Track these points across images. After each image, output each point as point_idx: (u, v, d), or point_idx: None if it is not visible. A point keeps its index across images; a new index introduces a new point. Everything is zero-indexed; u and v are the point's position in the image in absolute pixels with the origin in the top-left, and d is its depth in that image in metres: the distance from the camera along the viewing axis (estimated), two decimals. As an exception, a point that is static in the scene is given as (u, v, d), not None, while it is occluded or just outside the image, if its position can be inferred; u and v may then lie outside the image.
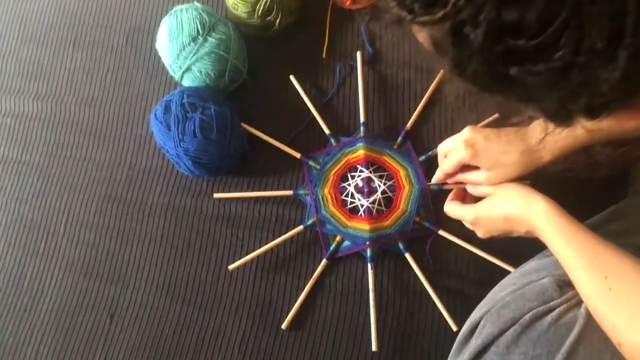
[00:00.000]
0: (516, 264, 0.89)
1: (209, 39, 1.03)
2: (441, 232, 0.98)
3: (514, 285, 0.80)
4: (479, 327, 0.80)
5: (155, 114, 1.02)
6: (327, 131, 1.05)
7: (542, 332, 0.72)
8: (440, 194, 0.99)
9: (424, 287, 0.95)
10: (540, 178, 0.81)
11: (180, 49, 1.03)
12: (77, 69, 1.20)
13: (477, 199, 0.87)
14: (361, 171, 1.01)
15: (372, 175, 1.00)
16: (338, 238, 0.99)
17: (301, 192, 1.02)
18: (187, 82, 1.07)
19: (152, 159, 1.11)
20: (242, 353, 0.98)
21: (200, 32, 1.03)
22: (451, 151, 0.85)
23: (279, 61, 1.12)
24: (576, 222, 0.73)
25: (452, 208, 0.87)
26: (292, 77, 1.09)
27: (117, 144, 1.13)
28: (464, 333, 0.82)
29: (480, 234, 0.84)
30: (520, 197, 0.77)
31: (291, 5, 1.08)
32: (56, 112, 1.18)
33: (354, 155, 1.02)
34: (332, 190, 1.01)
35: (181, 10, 1.05)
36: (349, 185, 1.01)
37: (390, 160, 1.01)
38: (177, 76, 1.06)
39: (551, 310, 0.73)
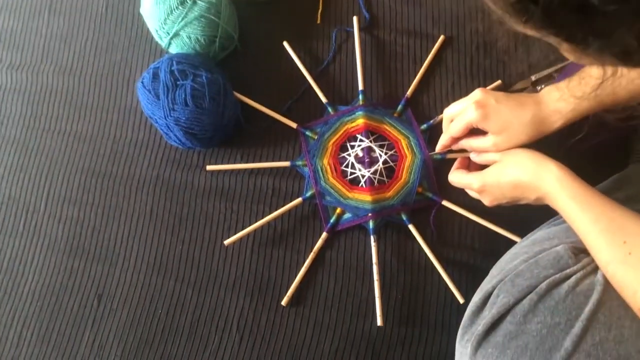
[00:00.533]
0: (521, 234, 0.88)
1: (198, 2, 0.97)
2: (445, 203, 0.94)
3: (526, 254, 0.78)
4: (492, 296, 0.77)
5: (142, 82, 0.96)
6: (324, 100, 1.01)
7: (559, 299, 0.70)
8: (443, 163, 0.96)
9: (429, 259, 0.92)
10: (540, 148, 0.78)
11: (167, 13, 0.97)
12: (54, 37, 1.13)
13: (481, 168, 0.84)
14: (361, 141, 0.97)
15: (373, 145, 0.97)
16: (338, 210, 0.95)
17: (299, 163, 0.98)
18: (174, 49, 1.01)
19: (139, 130, 1.05)
20: (240, 330, 0.94)
21: (189, -5, 0.97)
22: (458, 115, 0.82)
23: (271, 27, 1.07)
24: (589, 187, 0.72)
25: (457, 177, 0.84)
26: (285, 44, 1.04)
27: (100, 115, 1.07)
28: (476, 304, 0.79)
29: (487, 201, 0.82)
30: (530, 162, 0.75)
31: (285, -33, 1.03)
32: (33, 83, 1.10)
33: (353, 124, 0.98)
34: (331, 160, 0.97)
35: (168, -29, 0.99)
36: (349, 155, 0.97)
37: (391, 129, 0.98)
38: (164, 43, 1.00)
39: (568, 277, 0.71)
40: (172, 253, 0.98)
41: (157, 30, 1.00)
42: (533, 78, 0.99)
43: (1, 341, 0.98)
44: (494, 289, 0.77)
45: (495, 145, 0.80)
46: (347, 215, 0.95)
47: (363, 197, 0.94)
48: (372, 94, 1.01)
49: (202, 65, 0.96)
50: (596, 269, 0.70)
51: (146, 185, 1.02)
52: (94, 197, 1.03)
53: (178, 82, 0.93)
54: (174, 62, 0.95)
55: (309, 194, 0.96)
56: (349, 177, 0.96)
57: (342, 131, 0.98)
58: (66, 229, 1.02)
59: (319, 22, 1.06)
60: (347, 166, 0.97)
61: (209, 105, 0.94)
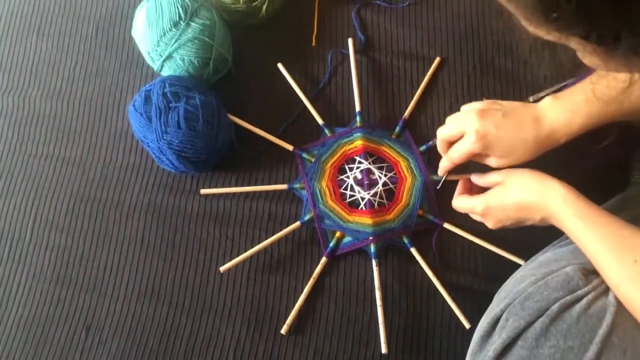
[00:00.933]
0: (526, 256, 0.86)
1: (192, 24, 0.96)
2: (446, 225, 0.93)
3: (534, 276, 0.76)
4: (502, 320, 0.75)
5: (134, 105, 0.94)
6: (320, 121, 0.99)
7: (572, 322, 0.68)
8: (443, 185, 0.94)
9: (432, 283, 0.90)
10: (542, 167, 0.77)
11: (160, 35, 0.95)
12: (42, 60, 1.10)
13: (483, 189, 0.83)
14: (360, 162, 0.95)
15: (372, 167, 0.95)
16: (338, 234, 0.93)
17: (297, 186, 0.96)
18: (167, 72, 0.99)
19: (129, 155, 1.02)
20: (237, 361, 0.90)
21: (183, 16, 0.95)
22: (453, 136, 0.81)
23: (265, 50, 1.06)
24: (595, 205, 0.71)
25: (460, 201, 0.83)
26: (280, 65, 1.03)
27: (88, 139, 1.04)
28: (485, 329, 0.77)
29: (491, 224, 0.80)
30: (535, 182, 0.74)
31: (279, -11, 1.03)
32: (19, 107, 1.07)
33: (351, 146, 0.96)
34: (329, 183, 0.95)
35: (160, -6, 0.97)
36: (348, 177, 0.95)
37: (390, 151, 0.96)
38: (156, 65, 0.98)
39: (579, 299, 0.69)
40: (165, 280, 0.95)
41: (149, 53, 0.98)
42: (531, 99, 0.99)
43: (-18, 377, 0.93)
44: (502, 312, 0.75)
45: (498, 165, 0.80)
46: (347, 239, 0.93)
47: (363, 220, 0.92)
48: (369, 116, 1.00)
49: (195, 87, 0.94)
50: (607, 290, 0.69)
51: (137, 210, 0.99)
52: (82, 224, 0.99)
53: (171, 105, 0.91)
54: (167, 85, 0.93)
55: (307, 217, 0.94)
56: (349, 200, 0.94)
57: (340, 153, 0.96)
58: (53, 257, 0.98)
59: (314, 44, 1.05)
60: (346, 189, 0.95)
61: (202, 128, 0.91)
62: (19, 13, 1.13)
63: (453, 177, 0.90)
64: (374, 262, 0.90)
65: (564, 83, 0.95)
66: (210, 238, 0.96)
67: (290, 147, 0.98)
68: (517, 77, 1.00)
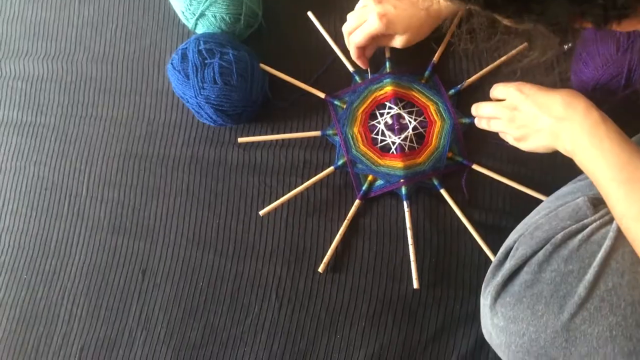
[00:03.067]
0: (550, 194, 0.87)
1: (222, -18, 0.99)
2: (475, 167, 0.95)
3: (548, 208, 0.79)
4: (512, 250, 0.79)
5: (172, 64, 0.99)
6: (351, 69, 1.02)
7: (573, 249, 0.71)
8: (471, 127, 0.96)
9: (461, 222, 0.93)
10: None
11: (192, -6, 0.99)
12: (85, 25, 1.16)
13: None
14: (390, 108, 0.98)
15: (402, 112, 0.97)
16: (370, 178, 0.97)
17: (329, 132, 0.99)
18: (201, 29, 1.03)
19: (171, 111, 1.08)
20: (279, 298, 0.96)
21: (213, -26, 0.99)
22: (358, 26, 0.91)
23: (293, 2, 1.08)
24: (619, 132, 0.70)
25: (486, 107, 0.88)
26: (310, 14, 1.05)
27: (133, 99, 1.10)
28: (499, 258, 0.82)
29: (515, 128, 0.82)
30: (558, 92, 0.77)
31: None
32: (67, 71, 1.14)
33: (382, 92, 0.99)
34: (361, 129, 0.98)
35: (191, -47, 1.01)
36: (379, 123, 0.98)
37: (419, 95, 0.98)
38: (190, 24, 1.03)
39: (584, 227, 0.72)
40: (210, 227, 1.01)
41: (183, 12, 1.02)
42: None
43: (53, 319, 1.03)
44: (515, 242, 0.79)
45: (403, 44, 0.92)
46: (379, 183, 0.97)
47: (395, 164, 0.95)
48: (398, 62, 1.02)
49: (228, 43, 0.98)
50: (612, 219, 0.71)
51: (181, 163, 1.05)
52: (132, 179, 1.07)
53: (206, 61, 0.96)
54: (201, 42, 0.97)
55: (340, 162, 0.98)
56: (380, 145, 0.97)
57: (370, 99, 0.99)
58: (108, 210, 1.06)
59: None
60: (377, 134, 0.98)
61: (237, 82, 0.96)
62: (60, -19, 1.19)
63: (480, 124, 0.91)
64: (405, 204, 0.94)
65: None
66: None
67: (322, 95, 1.01)
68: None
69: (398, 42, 0.92)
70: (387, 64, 1.00)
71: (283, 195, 0.98)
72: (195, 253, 1.01)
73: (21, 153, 1.12)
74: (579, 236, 0.71)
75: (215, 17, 1.00)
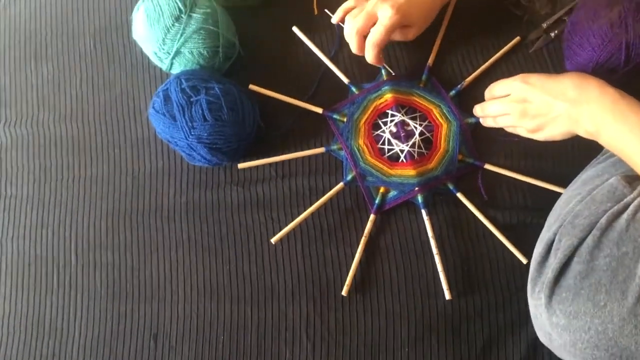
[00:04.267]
0: (567, 183, 0.85)
1: (194, 15, 0.94)
2: (487, 166, 0.92)
3: (579, 194, 0.76)
4: (555, 242, 0.76)
5: (154, 108, 0.92)
6: (345, 80, 0.97)
7: (621, 230, 0.69)
8: (477, 127, 0.94)
9: (484, 225, 0.90)
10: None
11: (164, 33, 0.93)
12: (45, 84, 1.08)
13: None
14: (393, 115, 0.94)
15: (406, 118, 0.94)
16: (382, 189, 0.92)
17: (334, 147, 0.95)
18: (177, 68, 0.97)
19: (156, 159, 1.01)
20: (310, 338, 0.89)
21: (183, 9, 0.93)
22: (370, 21, 0.84)
23: (268, 28, 1.04)
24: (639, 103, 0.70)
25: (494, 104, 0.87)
26: (295, 29, 1.01)
27: (112, 153, 1.02)
28: (540, 254, 0.78)
29: (529, 118, 0.81)
30: (570, 74, 0.76)
31: (273, -37, 1.01)
32: (34, 135, 1.05)
33: (382, 100, 0.95)
34: (366, 140, 0.94)
35: (155, -9, 0.95)
36: (384, 132, 0.94)
37: (420, 100, 0.95)
38: (165, 64, 0.97)
39: (626, 206, 0.70)
40: (221, 275, 0.94)
41: (156, 53, 0.96)
42: (544, 25, 0.98)
43: (61, 407, 0.92)
44: (554, 235, 0.76)
45: (418, 31, 0.88)
46: (392, 194, 0.92)
47: (407, 172, 0.91)
48: (393, 68, 0.98)
49: (211, 77, 0.93)
50: None
51: (177, 213, 0.98)
52: (125, 238, 0.98)
53: (192, 99, 0.90)
54: (183, 80, 0.91)
55: (349, 177, 0.93)
56: (388, 154, 0.93)
57: (371, 109, 0.95)
58: (103, 275, 0.97)
59: (316, 12, 1.03)
60: (383, 143, 0.94)
61: (228, 117, 0.90)
62: (11, 45, 1.11)
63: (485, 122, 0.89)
64: (424, 213, 0.90)
65: (571, 4, 0.96)
66: (257, 224, 0.95)
67: (319, 110, 0.96)
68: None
69: (411, 33, 0.88)
70: (383, 71, 0.97)
71: (293, 229, 0.92)
72: (210, 305, 0.93)
73: (-5, 230, 1.02)
74: (624, 216, 0.69)
75: (192, 53, 0.95)
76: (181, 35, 0.93)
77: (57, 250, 0.99)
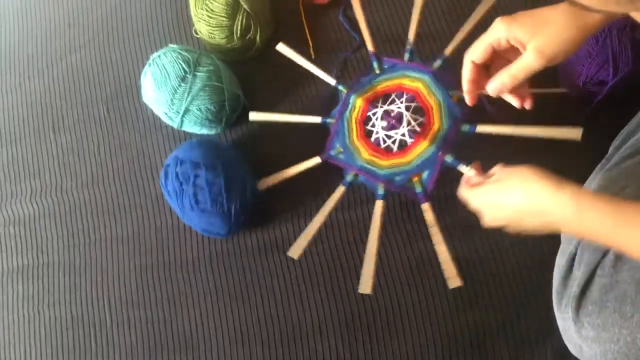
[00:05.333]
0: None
1: (198, 74, 0.99)
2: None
3: None
4: (577, 256, 0.77)
5: (161, 180, 0.98)
6: (332, 82, 0.99)
7: None
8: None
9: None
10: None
11: (172, 94, 0.98)
12: (65, 153, 1.13)
13: None
14: (402, 102, 0.92)
15: (407, 113, 0.91)
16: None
17: (329, 120, 0.97)
18: (188, 125, 1.02)
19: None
20: (343, 373, 0.92)
21: (187, 70, 0.98)
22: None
23: (270, 77, 1.09)
24: (615, 198, 0.61)
25: (462, 191, 0.77)
26: (280, 45, 1.03)
27: (134, 213, 1.07)
28: (564, 267, 0.79)
29: (486, 219, 0.73)
30: (536, 183, 0.64)
31: (266, 16, 1.06)
32: (59, 203, 1.10)
33: (411, 83, 0.94)
34: (364, 102, 0.94)
35: (159, 56, 1.00)
36: (375, 130, 0.93)
37: (426, 93, 0.93)
38: (176, 122, 1.01)
39: None
40: (250, 320, 0.97)
41: (166, 113, 1.01)
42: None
43: None
44: (576, 249, 0.77)
45: (537, 50, 0.66)
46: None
47: (422, 147, 0.89)
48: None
49: (203, 160, 0.94)
50: None
51: (202, 264, 1.01)
52: (155, 293, 1.02)
53: (183, 187, 0.93)
54: (179, 163, 0.95)
55: (349, 178, 0.92)
56: (368, 128, 0.94)
57: (397, 81, 0.95)
58: (138, 332, 1.00)
59: (313, 56, 1.08)
60: (374, 115, 0.93)
61: (212, 208, 0.93)
62: (29, 119, 1.17)
63: (464, 169, 0.83)
64: (378, 203, 0.88)
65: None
66: (278, 266, 0.99)
67: (332, 82, 0.99)
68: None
69: (530, 53, 0.68)
70: (439, 62, 0.94)
71: (314, 266, 0.95)
72: (242, 349, 0.96)
73: (31, 298, 1.06)
74: None
75: (200, 109, 0.99)
76: (188, 94, 0.98)
77: (91, 311, 1.03)
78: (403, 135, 0.91)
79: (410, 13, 0.98)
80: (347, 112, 0.95)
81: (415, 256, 0.95)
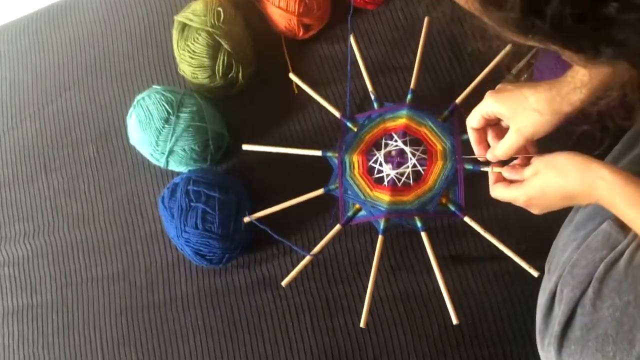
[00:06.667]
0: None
1: (181, 115, 1.00)
2: (467, 220, 0.90)
3: (575, 241, 0.77)
4: (557, 293, 0.77)
5: (162, 198, 0.98)
6: (372, 95, 0.99)
7: (620, 279, 0.68)
8: (474, 176, 0.91)
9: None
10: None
11: (156, 136, 1.00)
12: (57, 194, 1.15)
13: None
14: (396, 140, 0.94)
15: (405, 147, 0.93)
16: (357, 206, 0.93)
17: (329, 154, 0.97)
18: (173, 165, 1.03)
19: (166, 253, 1.06)
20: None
21: (170, 111, 1.00)
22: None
23: (254, 114, 1.09)
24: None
25: (500, 192, 0.79)
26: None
27: (124, 250, 1.08)
28: (545, 305, 0.79)
29: (537, 211, 0.76)
30: (575, 170, 0.68)
31: (248, 54, 1.07)
32: (52, 244, 1.12)
33: (393, 123, 0.96)
34: (361, 157, 0.95)
35: (143, 98, 1.02)
36: (379, 152, 0.95)
37: (430, 133, 0.94)
38: (161, 163, 1.03)
39: (622, 253, 0.69)
40: (238, 356, 0.98)
41: (152, 154, 1.02)
42: (513, 72, 1.01)
43: None
44: (556, 285, 0.77)
45: (517, 130, 0.73)
46: (362, 213, 0.93)
47: (382, 196, 0.91)
48: (421, 95, 0.99)
49: (218, 184, 0.97)
50: None
51: (191, 302, 1.02)
52: (145, 332, 1.03)
53: (192, 204, 0.94)
54: (192, 182, 0.96)
55: (332, 186, 0.95)
56: (376, 175, 0.94)
57: (379, 127, 0.96)
58: (130, 371, 1.02)
59: (296, 92, 1.09)
60: (375, 163, 0.95)
61: (217, 230, 0.94)
62: (20, 161, 1.19)
63: (486, 169, 0.86)
64: (380, 238, 0.90)
65: (535, 49, 0.97)
66: (266, 303, 0.99)
67: (337, 114, 1.00)
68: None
69: (512, 134, 0.76)
70: (409, 96, 0.97)
71: (301, 303, 0.96)
72: (232, 388, 0.97)
73: (27, 340, 1.08)
74: (621, 263, 0.68)
75: (184, 149, 1.01)
76: (172, 136, 0.99)
77: (85, 352, 1.05)
78: (415, 166, 0.93)
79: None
80: (348, 173, 0.96)
81: (400, 290, 0.95)
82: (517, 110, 0.73)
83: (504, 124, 0.80)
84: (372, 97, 1.00)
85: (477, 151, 0.83)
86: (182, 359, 1.00)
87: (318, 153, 0.98)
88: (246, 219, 0.97)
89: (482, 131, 0.82)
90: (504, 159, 0.79)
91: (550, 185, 0.72)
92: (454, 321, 0.84)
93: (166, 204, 0.97)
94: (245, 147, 0.99)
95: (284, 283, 0.92)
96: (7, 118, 1.21)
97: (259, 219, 0.96)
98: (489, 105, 0.75)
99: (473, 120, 0.80)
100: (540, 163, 0.74)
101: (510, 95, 0.74)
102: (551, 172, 0.71)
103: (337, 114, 1.00)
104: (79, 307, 1.08)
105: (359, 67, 1.01)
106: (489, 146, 0.82)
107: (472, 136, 0.83)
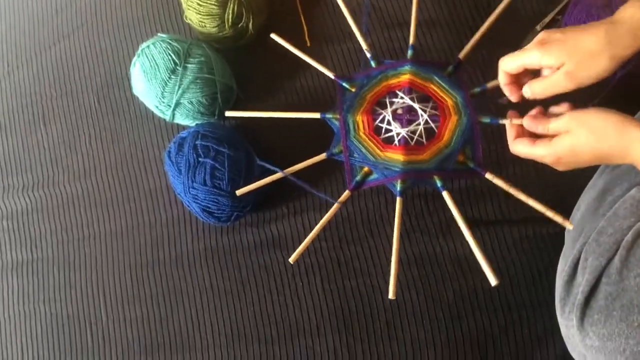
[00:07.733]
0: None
1: (189, 65, 0.95)
2: (488, 176, 0.82)
3: (601, 207, 0.74)
4: (581, 261, 0.74)
5: (168, 153, 0.94)
6: (367, 53, 0.92)
7: None
8: (488, 134, 0.88)
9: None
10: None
11: (162, 87, 0.95)
12: (56, 145, 1.11)
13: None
14: (402, 97, 0.87)
15: (414, 104, 0.86)
16: (366, 169, 0.86)
17: (329, 115, 0.89)
18: (179, 118, 0.99)
19: (171, 209, 1.02)
20: (341, 372, 0.91)
21: (177, 62, 0.95)
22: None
23: (265, 65, 1.05)
24: None
25: (524, 148, 0.71)
26: (273, 35, 0.94)
27: (127, 207, 1.05)
28: (567, 273, 0.76)
29: (562, 169, 0.70)
30: (611, 131, 0.63)
31: (259, 2, 1.01)
32: (51, 197, 1.08)
33: (396, 79, 0.89)
34: (365, 116, 0.88)
35: (148, 46, 0.97)
36: (385, 110, 0.87)
37: (438, 88, 0.88)
38: (167, 116, 0.98)
39: None
40: (247, 317, 0.96)
41: (157, 107, 0.98)
42: (538, 28, 0.97)
43: None
44: (579, 253, 0.74)
45: (569, 74, 0.66)
46: (373, 176, 0.86)
47: (395, 157, 0.84)
48: (422, 51, 0.95)
49: (226, 139, 0.93)
50: None
51: (197, 260, 1.00)
52: (150, 289, 1.01)
53: (200, 159, 0.90)
54: (200, 136, 0.92)
55: (335, 150, 0.87)
56: (384, 135, 0.86)
57: (382, 85, 0.89)
58: (134, 329, 0.99)
59: (309, 44, 1.04)
60: (382, 122, 0.87)
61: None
62: (18, 109, 1.14)
63: (504, 121, 0.78)
64: (398, 200, 0.82)
65: (563, 3, 0.93)
66: (275, 263, 0.97)
67: (331, 75, 0.91)
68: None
69: (560, 75, 0.69)
70: (410, 51, 0.91)
71: (311, 263, 0.93)
72: (239, 347, 0.95)
73: (27, 295, 1.05)
74: None
75: (191, 102, 0.96)
76: (179, 87, 0.95)
77: (87, 308, 1.02)
78: (427, 122, 0.85)
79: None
80: (353, 134, 0.87)
81: (415, 254, 0.93)
82: (571, 57, 0.66)
83: (545, 72, 0.72)
84: (368, 55, 0.92)
85: (508, 91, 0.75)
86: (188, 317, 0.98)
87: (316, 115, 0.89)
88: (227, 113, 0.90)
89: (515, 75, 0.75)
90: (541, 98, 0.71)
91: (582, 145, 0.66)
92: (493, 282, 0.73)
93: (173, 159, 0.93)
94: (229, 113, 0.91)
95: (291, 259, 0.81)
96: (3, 63, 1.16)
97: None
98: (536, 58, 0.68)
99: (511, 66, 0.72)
100: (572, 120, 0.67)
101: (560, 45, 0.66)
102: (583, 131, 0.65)
103: (330, 74, 0.92)
104: (80, 263, 1.05)
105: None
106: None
107: (502, 78, 0.75)
